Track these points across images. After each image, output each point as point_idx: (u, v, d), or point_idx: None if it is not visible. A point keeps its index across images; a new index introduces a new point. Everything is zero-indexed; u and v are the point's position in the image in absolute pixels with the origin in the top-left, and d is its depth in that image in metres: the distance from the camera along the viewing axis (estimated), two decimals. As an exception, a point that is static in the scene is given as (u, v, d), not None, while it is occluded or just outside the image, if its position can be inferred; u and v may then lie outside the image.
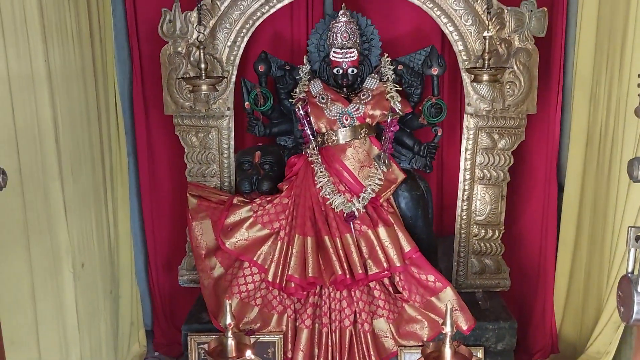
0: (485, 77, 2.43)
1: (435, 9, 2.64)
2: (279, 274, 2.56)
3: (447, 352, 1.65)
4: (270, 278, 2.57)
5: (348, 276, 2.50)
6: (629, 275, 1.24)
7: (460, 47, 2.67)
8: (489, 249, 2.89)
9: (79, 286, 2.44)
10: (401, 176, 2.71)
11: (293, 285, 2.52)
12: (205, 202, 2.74)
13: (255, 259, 2.61)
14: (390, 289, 2.61)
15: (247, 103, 2.81)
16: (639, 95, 1.17)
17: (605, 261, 2.63)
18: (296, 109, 2.70)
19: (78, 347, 2.45)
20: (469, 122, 2.74)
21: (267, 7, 2.68)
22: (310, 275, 2.50)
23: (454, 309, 2.50)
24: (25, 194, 2.10)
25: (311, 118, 2.68)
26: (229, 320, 1.69)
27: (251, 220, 2.64)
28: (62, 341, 2.37)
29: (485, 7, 2.54)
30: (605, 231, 2.64)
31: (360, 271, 2.51)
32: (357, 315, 2.56)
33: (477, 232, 2.87)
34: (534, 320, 3.17)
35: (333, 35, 2.68)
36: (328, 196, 2.63)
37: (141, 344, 3.21)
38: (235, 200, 2.70)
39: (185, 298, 3.11)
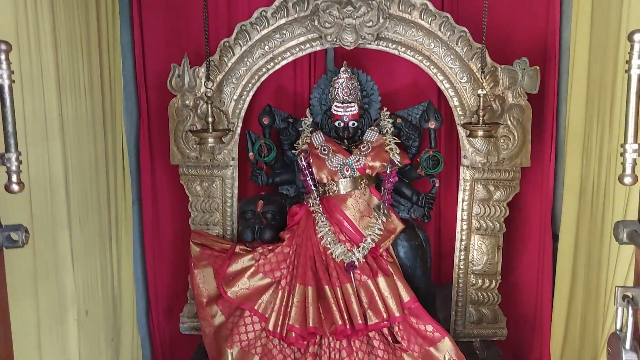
0: (480, 133, 2.51)
1: (432, 66, 2.74)
2: (280, 323, 2.58)
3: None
4: (270, 327, 2.59)
5: (348, 326, 2.53)
6: (617, 332, 1.30)
7: (456, 103, 2.77)
8: (486, 299, 2.92)
9: (82, 334, 2.45)
10: (400, 226, 2.77)
11: (294, 334, 2.55)
12: (208, 250, 2.77)
13: (256, 307, 2.63)
14: (390, 338, 2.62)
15: (251, 154, 2.89)
16: (622, 164, 1.24)
17: (600, 311, 2.63)
18: (298, 160, 2.78)
19: (79, 395, 2.46)
20: (465, 173, 2.81)
21: (272, 64, 2.78)
22: (310, 325, 2.53)
23: (451, 358, 2.52)
24: (36, 244, 2.13)
25: (313, 169, 2.75)
26: (231, 370, 1.72)
27: (253, 269, 2.67)
28: (64, 389, 2.38)
29: (479, 65, 2.65)
30: (600, 281, 2.65)
31: (360, 321, 2.54)
32: (357, 364, 2.57)
33: (474, 282, 2.90)
34: (531, 369, 3.18)
35: (335, 90, 2.79)
36: (329, 245, 2.68)
37: (141, 390, 3.19)
38: (237, 249, 2.74)
39: (186, 345, 3.12)
